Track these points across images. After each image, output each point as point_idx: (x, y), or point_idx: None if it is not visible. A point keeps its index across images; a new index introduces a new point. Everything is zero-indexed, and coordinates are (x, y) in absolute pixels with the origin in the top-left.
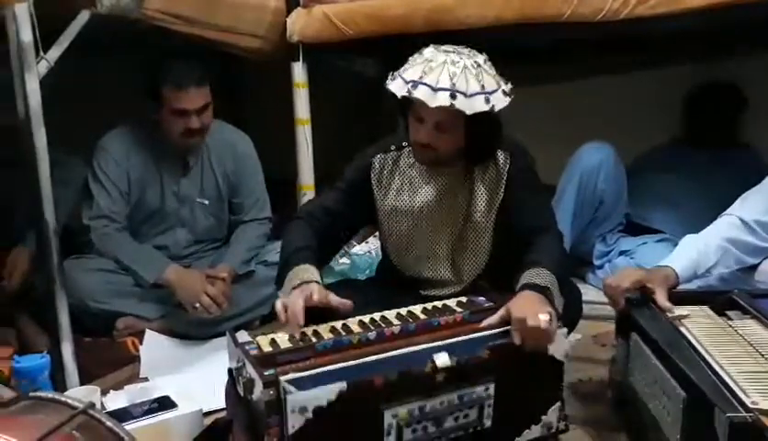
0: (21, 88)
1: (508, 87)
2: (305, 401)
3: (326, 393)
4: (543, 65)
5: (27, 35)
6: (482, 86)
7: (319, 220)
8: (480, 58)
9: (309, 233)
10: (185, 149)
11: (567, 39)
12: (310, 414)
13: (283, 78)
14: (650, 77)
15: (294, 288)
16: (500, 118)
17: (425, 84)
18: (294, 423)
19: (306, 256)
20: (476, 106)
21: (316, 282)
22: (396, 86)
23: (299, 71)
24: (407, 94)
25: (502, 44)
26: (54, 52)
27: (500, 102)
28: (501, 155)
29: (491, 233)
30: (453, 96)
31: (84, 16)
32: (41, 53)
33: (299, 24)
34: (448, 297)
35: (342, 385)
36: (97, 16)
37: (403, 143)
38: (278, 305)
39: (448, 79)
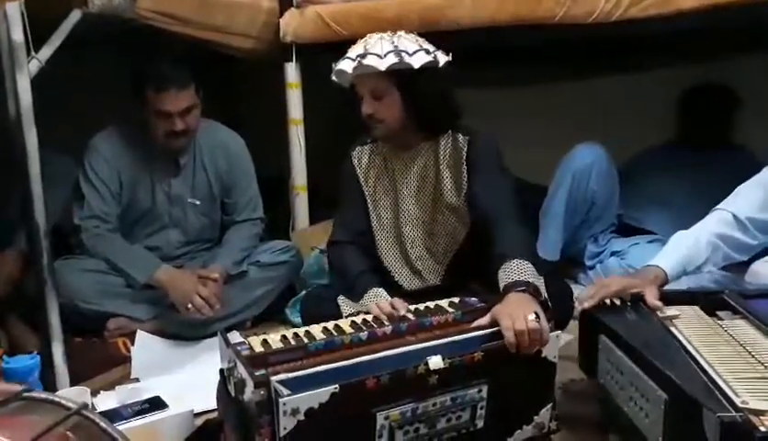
0: (12, 88)
1: (437, 53)
2: (297, 402)
3: (318, 395)
4: (536, 66)
5: (18, 34)
6: (395, 47)
7: (356, 241)
8: (403, 33)
9: (364, 256)
10: (171, 150)
11: (560, 40)
12: (302, 416)
13: (276, 78)
14: (644, 78)
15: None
16: (446, 92)
17: (349, 59)
18: (286, 425)
19: (371, 280)
20: (388, 61)
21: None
22: (343, 69)
23: (292, 71)
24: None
25: (495, 44)
26: (45, 52)
27: (417, 61)
28: (460, 138)
29: (461, 213)
30: (362, 57)
31: (75, 16)
32: (32, 52)
33: (292, 24)
34: (431, 291)
35: (334, 387)
36: (89, 15)
37: None
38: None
39: (363, 48)
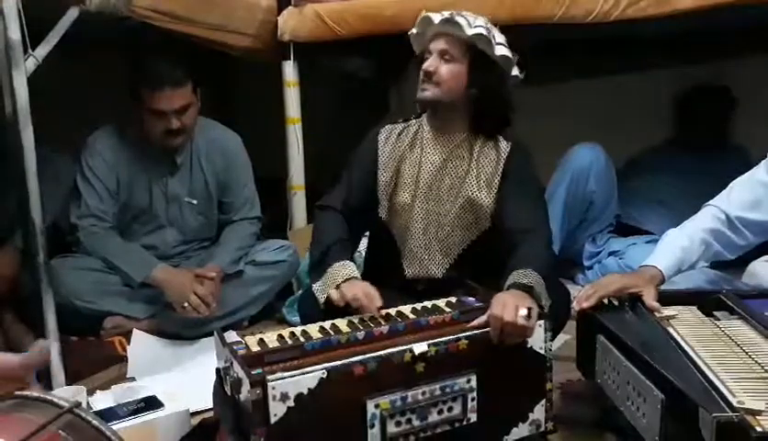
0: (9, 86)
1: (515, 57)
2: (286, 387)
3: (306, 380)
4: (535, 66)
5: (15, 32)
6: (487, 26)
7: (344, 212)
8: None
9: (343, 226)
10: (167, 148)
11: (559, 39)
12: (291, 402)
13: (273, 77)
14: (641, 78)
15: (341, 284)
16: (509, 100)
17: (440, 14)
18: (276, 411)
19: (343, 252)
20: (477, 30)
21: (356, 278)
22: (431, 17)
23: (289, 70)
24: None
25: None
26: (42, 49)
27: (500, 49)
28: (503, 142)
29: (482, 213)
30: (454, 15)
31: (72, 14)
32: (29, 50)
33: (290, 23)
34: (432, 282)
35: (322, 372)
36: (86, 13)
37: (411, 117)
38: (338, 295)
39: (458, 12)
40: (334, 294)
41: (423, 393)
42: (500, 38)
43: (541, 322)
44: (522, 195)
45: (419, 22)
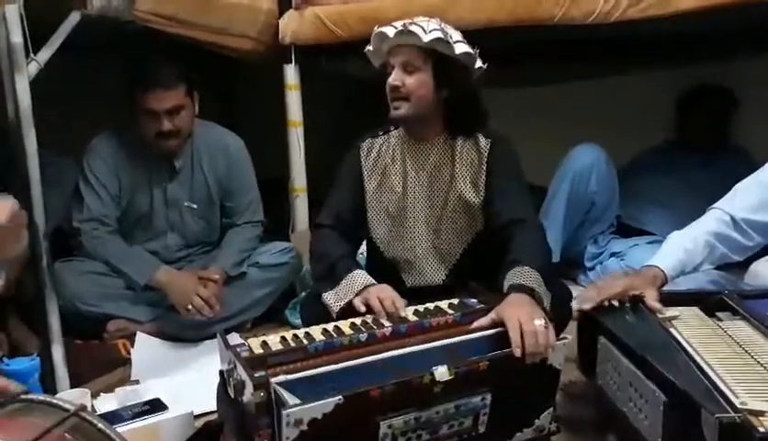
0: (11, 89)
1: (476, 51)
2: (300, 414)
3: (322, 406)
4: (535, 67)
5: (17, 36)
6: (442, 28)
7: (339, 227)
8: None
9: (341, 242)
10: (162, 152)
11: (560, 40)
12: (305, 426)
13: (274, 80)
14: (642, 79)
15: (361, 291)
16: (478, 95)
17: (393, 26)
18: (288, 434)
19: (352, 264)
20: (433, 34)
21: (374, 284)
22: (385, 31)
23: (291, 73)
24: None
25: (494, 45)
26: (44, 53)
27: (459, 48)
28: (482, 140)
29: (474, 214)
30: (408, 25)
31: (74, 18)
32: (31, 54)
33: (291, 26)
34: (433, 289)
35: (338, 398)
36: (88, 17)
37: (390, 128)
38: (360, 301)
39: (409, 20)
40: (358, 300)
41: (438, 413)
42: (457, 36)
43: (564, 341)
44: (509, 188)
45: (373, 38)
